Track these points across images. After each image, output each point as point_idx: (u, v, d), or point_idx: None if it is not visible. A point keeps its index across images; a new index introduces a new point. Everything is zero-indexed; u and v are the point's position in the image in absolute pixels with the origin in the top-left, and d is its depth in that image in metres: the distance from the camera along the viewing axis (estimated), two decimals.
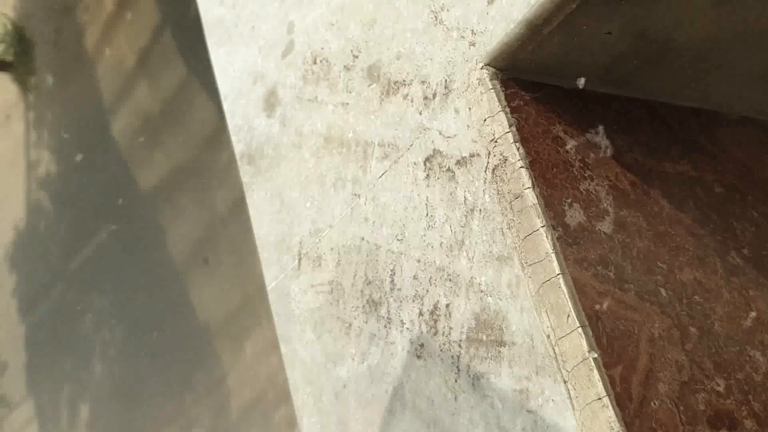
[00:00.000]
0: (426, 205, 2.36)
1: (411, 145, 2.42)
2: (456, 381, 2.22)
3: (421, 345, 2.31)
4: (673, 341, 2.08)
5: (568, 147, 2.25)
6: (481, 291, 2.19)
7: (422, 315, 2.33)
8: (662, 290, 2.15)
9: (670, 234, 2.27)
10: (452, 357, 2.24)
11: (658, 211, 2.29)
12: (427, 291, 2.32)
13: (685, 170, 2.42)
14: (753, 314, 2.25)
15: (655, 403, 1.96)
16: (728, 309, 2.22)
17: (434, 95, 2.38)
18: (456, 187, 2.29)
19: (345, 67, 2.66)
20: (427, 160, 2.36)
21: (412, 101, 2.43)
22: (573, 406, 1.96)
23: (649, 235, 2.23)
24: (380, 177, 2.49)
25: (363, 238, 2.51)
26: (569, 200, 2.17)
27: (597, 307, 2.03)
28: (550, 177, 2.17)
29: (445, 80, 2.35)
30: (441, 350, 2.26)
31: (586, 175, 2.24)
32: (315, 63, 2.75)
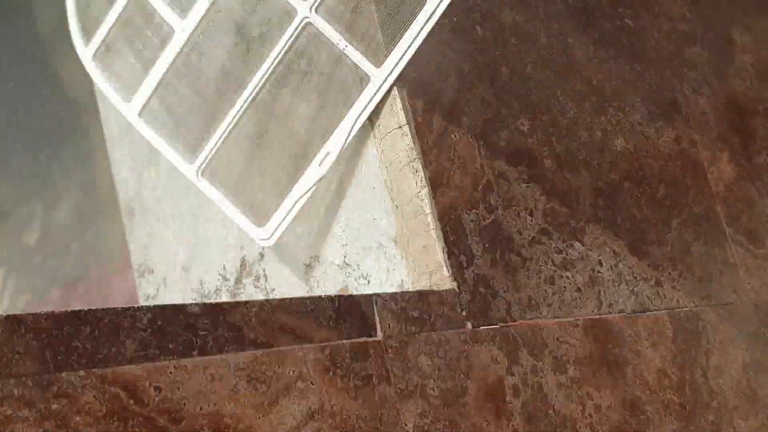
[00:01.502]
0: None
1: None
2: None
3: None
4: (483, 79, 2.09)
5: None
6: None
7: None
8: (479, 28, 2.13)
9: None
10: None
11: None
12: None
13: None
14: (569, 61, 2.28)
15: (455, 136, 1.98)
16: (544, 53, 2.23)
17: None
18: None
19: None
20: None
21: None
22: (375, 134, 1.97)
23: None
24: None
25: None
26: None
27: None
28: None
29: None
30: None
31: None
32: None
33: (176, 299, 2.37)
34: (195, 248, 2.34)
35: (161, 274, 2.43)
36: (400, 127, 1.93)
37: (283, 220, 2.03)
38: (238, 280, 2.23)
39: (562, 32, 2.30)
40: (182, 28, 2.19)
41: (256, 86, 2.09)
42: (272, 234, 2.04)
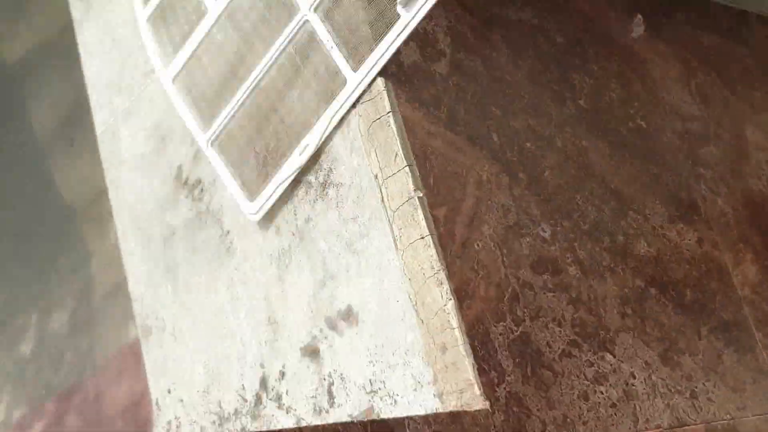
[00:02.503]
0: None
1: None
2: (286, 225, 2.12)
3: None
4: (501, 186, 2.03)
5: None
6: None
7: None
8: (494, 135, 2.09)
9: (507, 81, 2.20)
10: (281, 200, 2.13)
11: (497, 57, 2.21)
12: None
13: (528, 18, 2.35)
14: (585, 164, 2.23)
15: (478, 245, 1.91)
16: (560, 158, 2.19)
17: None
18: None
19: None
20: None
21: None
22: (397, 246, 1.90)
23: (485, 80, 2.16)
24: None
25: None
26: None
27: (426, 147, 1.95)
28: None
29: None
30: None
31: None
32: None
33: (195, 422, 2.25)
34: (213, 367, 2.23)
35: (178, 395, 2.31)
36: (422, 237, 1.86)
37: (267, 200, 2.13)
38: (258, 401, 2.12)
39: (577, 136, 2.26)
40: (214, 7, 2.29)
41: (261, 72, 2.18)
42: (258, 210, 2.14)
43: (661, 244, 2.26)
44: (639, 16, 2.60)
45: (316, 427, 1.46)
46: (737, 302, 2.33)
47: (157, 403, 2.36)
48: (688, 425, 2.03)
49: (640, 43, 2.55)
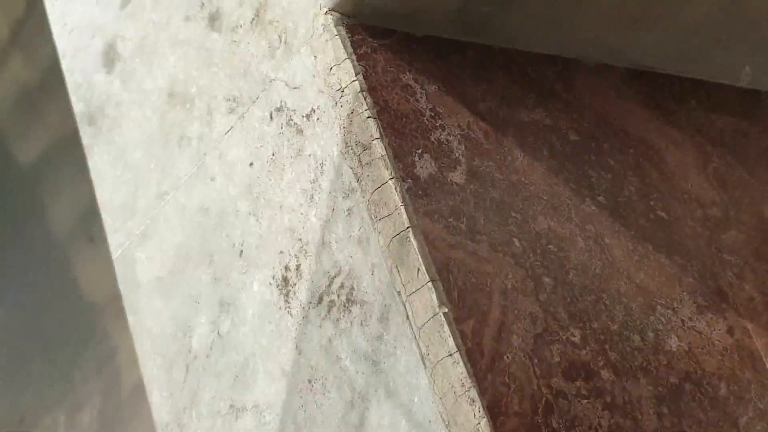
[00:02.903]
0: (274, 161, 2.23)
1: (257, 98, 2.28)
2: (308, 345, 2.12)
3: (272, 311, 2.20)
4: (527, 292, 2.02)
5: (418, 95, 2.16)
6: (332, 249, 2.08)
7: (274, 278, 2.21)
8: (516, 240, 2.09)
9: (524, 183, 2.21)
10: (304, 320, 2.13)
11: (512, 160, 2.23)
12: (278, 253, 2.20)
13: (540, 118, 2.37)
14: (609, 262, 2.22)
15: (508, 357, 1.90)
16: (583, 258, 2.18)
17: (279, 43, 2.24)
18: (304, 142, 2.17)
19: (186, 17, 2.49)
20: (274, 114, 2.23)
21: (256, 50, 2.29)
22: (425, 364, 1.88)
23: (502, 185, 2.16)
24: (226, 133, 2.34)
25: (210, 200, 2.37)
26: (420, 150, 2.07)
27: (448, 260, 1.95)
28: (400, 127, 2.07)
29: (290, 27, 2.21)
30: (292, 315, 2.15)
31: (437, 124, 2.15)
32: (154, 11, 2.57)
33: None
34: None
35: None
36: (450, 354, 1.84)
37: None
38: None
39: (598, 233, 2.26)
40: None
41: None
42: None
43: (691, 337, 2.23)
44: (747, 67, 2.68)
45: None
46: None
47: None
48: None
49: (653, 132, 2.56)
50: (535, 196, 2.20)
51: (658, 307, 2.23)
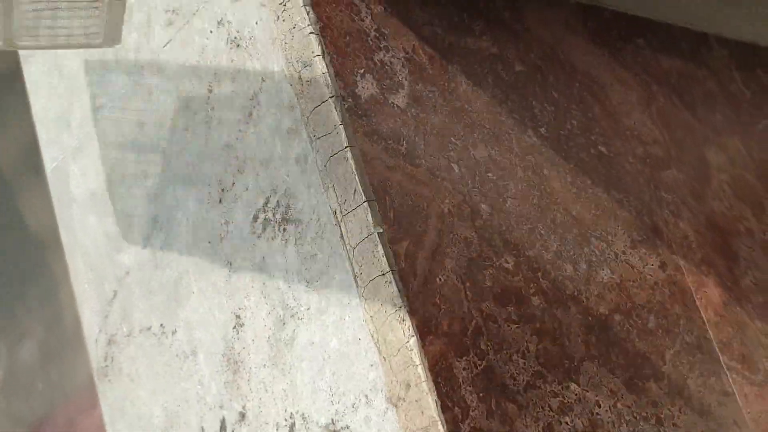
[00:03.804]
0: (213, 76, 2.18)
1: (197, 11, 2.22)
2: (242, 263, 2.10)
3: (207, 228, 2.17)
4: (463, 218, 2.02)
5: (363, 15, 2.12)
6: (268, 168, 2.05)
7: (210, 195, 2.18)
8: (455, 166, 2.08)
9: (467, 111, 2.19)
10: (238, 238, 2.11)
11: (455, 87, 2.21)
12: (214, 169, 2.16)
13: (487, 47, 2.35)
14: (548, 192, 2.23)
15: (440, 279, 1.90)
16: (522, 187, 2.18)
17: None
18: (244, 57, 2.12)
19: None
20: (214, 27, 2.18)
21: None
22: (357, 283, 1.88)
23: (444, 110, 2.15)
24: (165, 46, 2.28)
25: (147, 113, 2.31)
26: (362, 71, 2.04)
27: (386, 181, 1.93)
28: (343, 45, 2.04)
29: None
30: (227, 232, 2.13)
31: (381, 45, 2.12)
32: None
33: None
34: (171, 409, 2.19)
35: None
36: (383, 274, 1.84)
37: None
38: None
39: (538, 164, 2.26)
40: None
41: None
42: None
43: (623, 270, 2.26)
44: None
45: None
46: (701, 325, 2.33)
47: None
48: None
49: (600, 68, 2.56)
50: (477, 124, 2.19)
51: (593, 239, 2.25)
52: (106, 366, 2.38)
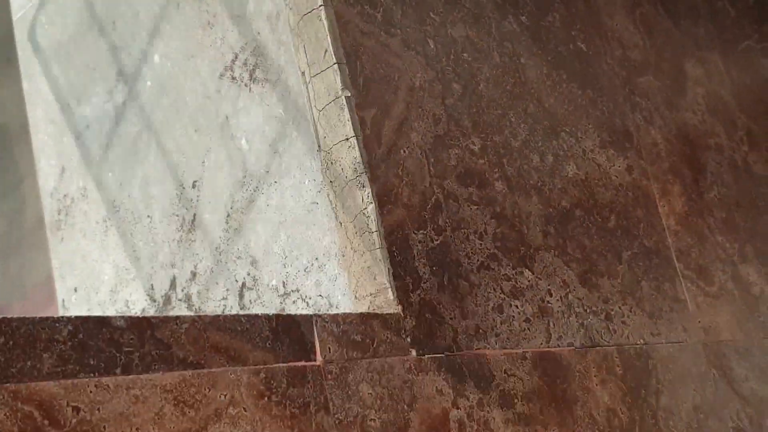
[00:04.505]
0: None
1: None
2: (205, 121, 2.05)
3: (171, 84, 2.11)
4: (434, 94, 1.98)
5: None
6: (239, 23, 1.99)
7: (177, 50, 2.11)
8: (431, 42, 2.03)
9: None
10: (203, 96, 2.05)
11: None
12: (182, 23, 2.09)
13: None
14: (521, 81, 2.19)
15: (405, 151, 1.87)
16: (496, 72, 2.14)
17: None
18: None
19: None
20: None
21: None
22: (320, 146, 1.84)
23: None
24: None
25: None
26: None
27: (358, 46, 1.88)
28: None
29: None
30: (191, 90, 2.07)
31: None
32: None
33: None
34: (122, 266, 2.16)
35: (85, 294, 2.24)
36: (347, 139, 1.80)
37: None
38: (167, 302, 2.06)
39: (516, 52, 2.21)
40: None
41: None
42: None
43: (590, 168, 2.24)
44: None
45: (217, 317, 1.41)
46: (661, 232, 2.34)
47: (63, 304, 2.30)
48: (601, 346, 2.03)
49: None
50: (458, 2, 2.13)
51: (563, 133, 2.22)
52: (60, 220, 2.34)
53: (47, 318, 1.23)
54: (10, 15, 2.51)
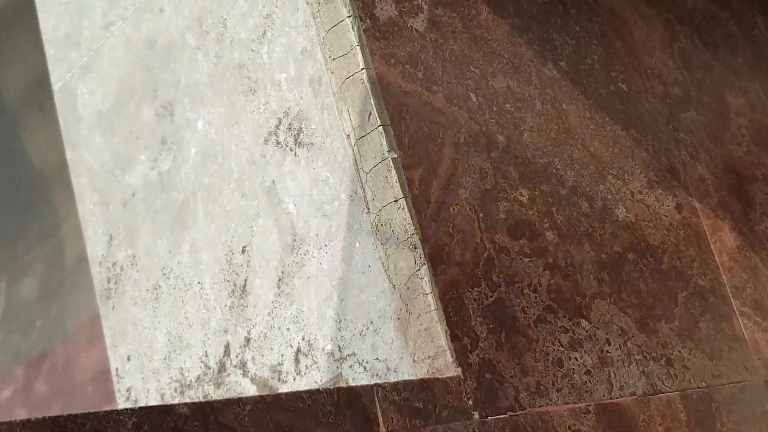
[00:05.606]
0: None
1: None
2: (251, 186, 2.06)
3: (216, 150, 2.12)
4: (479, 148, 1.97)
5: None
6: (282, 89, 2.00)
7: (220, 117, 2.12)
8: (473, 95, 2.02)
9: (486, 39, 2.13)
10: (248, 161, 2.06)
11: (476, 14, 2.14)
12: (225, 90, 2.11)
13: None
14: (565, 127, 2.17)
15: (454, 208, 1.86)
16: (539, 120, 2.13)
17: None
18: None
19: None
20: None
21: None
22: (369, 209, 1.84)
23: (464, 37, 2.09)
24: None
25: (157, 32, 2.25)
26: None
27: (401, 107, 1.88)
28: None
29: None
30: (237, 155, 2.08)
31: None
32: None
33: (156, 389, 2.19)
34: (175, 334, 2.17)
35: (139, 362, 2.25)
36: (396, 200, 1.80)
37: None
38: (221, 368, 2.06)
39: (557, 98, 2.20)
40: None
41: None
42: None
43: (639, 210, 2.22)
44: None
45: (278, 395, 1.40)
46: (715, 269, 2.30)
47: (117, 372, 2.30)
48: (663, 393, 2.00)
49: (623, 3, 2.49)
50: (496, 53, 2.13)
51: (609, 177, 2.20)
52: (110, 288, 2.35)
53: (112, 412, 1.24)
54: (48, 76, 2.54)
